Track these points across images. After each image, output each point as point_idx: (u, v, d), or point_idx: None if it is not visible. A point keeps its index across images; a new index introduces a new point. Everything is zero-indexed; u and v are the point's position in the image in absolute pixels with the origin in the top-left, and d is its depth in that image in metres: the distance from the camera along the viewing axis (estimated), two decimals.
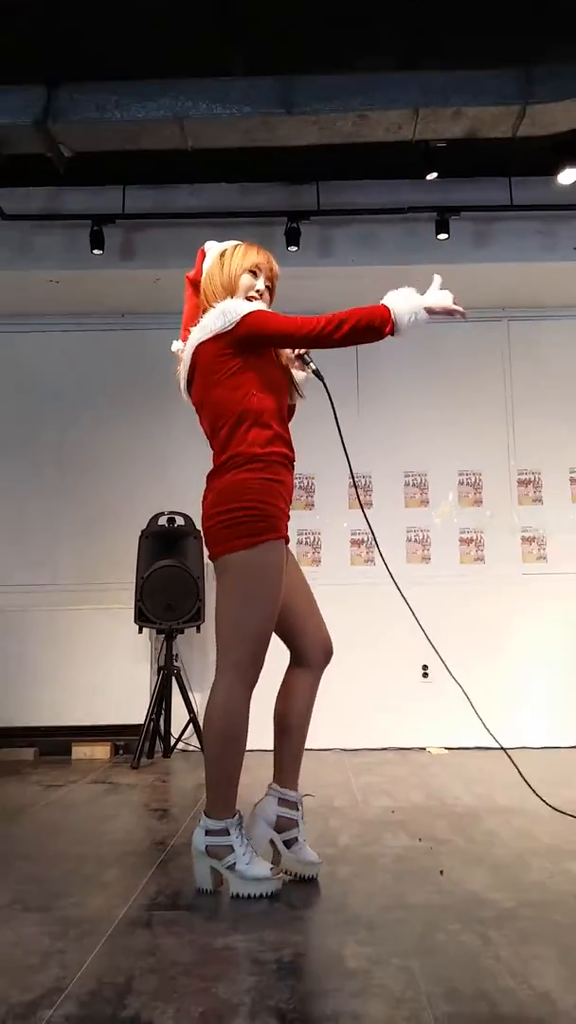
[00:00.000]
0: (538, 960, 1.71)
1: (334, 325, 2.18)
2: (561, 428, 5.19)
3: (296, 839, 2.29)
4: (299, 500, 5.12)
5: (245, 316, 2.21)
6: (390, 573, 2.68)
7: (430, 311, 2.25)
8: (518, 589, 5.01)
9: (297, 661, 2.35)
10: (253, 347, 2.24)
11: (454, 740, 4.68)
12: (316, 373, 2.41)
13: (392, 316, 2.19)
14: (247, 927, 1.92)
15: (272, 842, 2.28)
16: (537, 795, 2.74)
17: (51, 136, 3.58)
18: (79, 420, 5.24)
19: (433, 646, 2.80)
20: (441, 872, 2.35)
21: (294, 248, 4.59)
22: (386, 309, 2.21)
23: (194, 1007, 1.51)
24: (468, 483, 5.18)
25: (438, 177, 4.38)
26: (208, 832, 2.16)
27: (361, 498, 5.13)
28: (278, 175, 4.68)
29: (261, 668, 2.20)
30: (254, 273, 2.38)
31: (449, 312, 2.29)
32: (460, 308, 2.30)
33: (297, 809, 2.31)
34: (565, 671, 4.86)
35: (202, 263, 2.47)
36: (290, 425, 2.40)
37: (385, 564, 2.70)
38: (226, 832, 2.15)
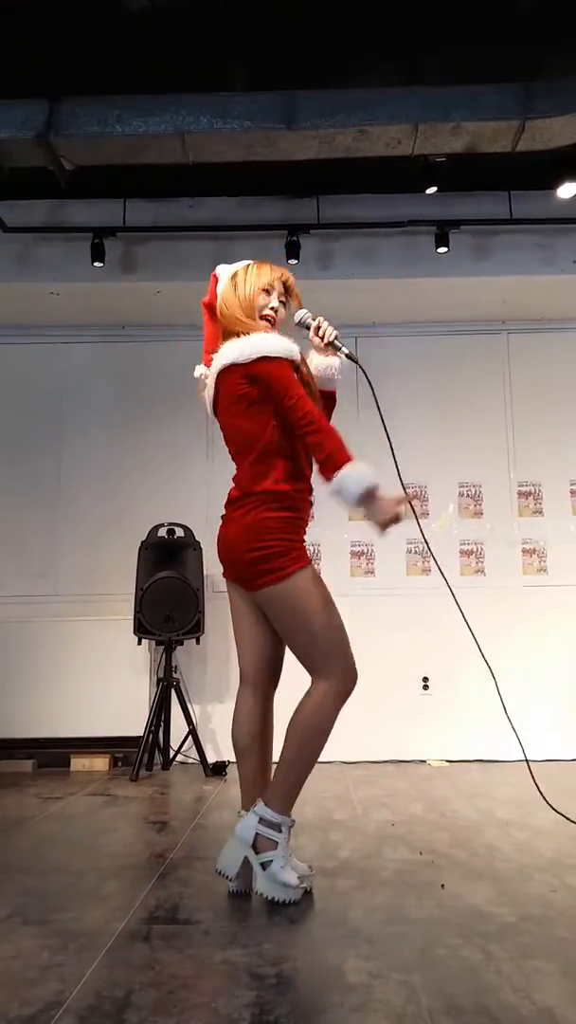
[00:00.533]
0: (540, 975, 1.70)
1: (315, 439, 2.22)
2: (561, 440, 5.20)
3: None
4: None
5: (266, 360, 2.26)
6: (448, 584, 2.78)
7: (365, 501, 2.20)
8: (519, 601, 5.01)
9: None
10: (263, 385, 2.28)
11: (455, 753, 4.67)
12: (350, 357, 2.43)
13: (339, 474, 2.18)
14: (246, 941, 1.91)
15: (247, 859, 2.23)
16: (551, 806, 2.69)
17: (53, 149, 3.59)
18: (79, 431, 5.25)
19: (486, 660, 2.90)
20: (442, 886, 2.34)
21: (294, 261, 4.60)
22: (345, 465, 2.19)
23: (193, 1022, 1.51)
24: (468, 495, 5.18)
25: (438, 191, 4.41)
26: (262, 821, 2.20)
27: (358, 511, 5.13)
28: (278, 189, 4.70)
29: (356, 675, 2.30)
30: (267, 292, 2.42)
31: (383, 522, 2.23)
32: (396, 520, 2.24)
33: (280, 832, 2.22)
34: (566, 683, 4.85)
35: (215, 288, 2.50)
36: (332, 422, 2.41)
37: (442, 573, 2.70)
38: (279, 828, 2.20)
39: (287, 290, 2.48)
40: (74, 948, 1.87)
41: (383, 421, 2.46)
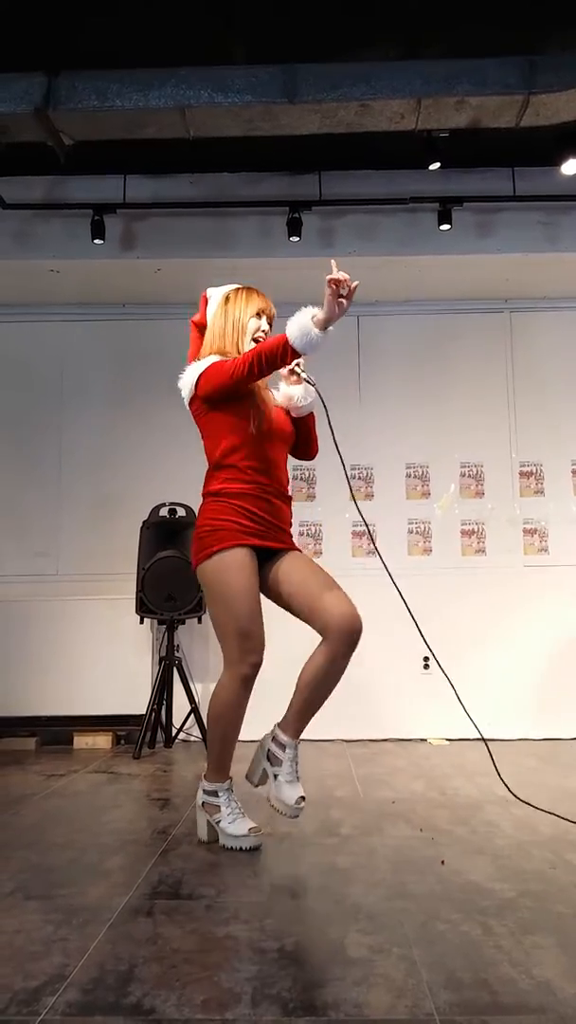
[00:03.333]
0: (539, 950, 1.72)
1: (246, 364, 2.44)
2: (563, 420, 5.19)
3: (277, 776, 2.51)
4: (300, 492, 5.11)
5: (197, 381, 2.57)
6: (381, 559, 2.88)
7: (323, 323, 2.36)
8: (520, 581, 5.01)
9: (321, 636, 2.50)
10: (219, 400, 2.55)
11: (455, 731, 4.68)
12: (307, 380, 2.64)
13: (288, 341, 2.37)
14: (249, 916, 1.93)
15: (265, 771, 2.56)
16: (507, 787, 2.86)
17: (52, 124, 3.56)
18: (79, 410, 5.24)
19: (422, 634, 2.97)
20: (442, 862, 2.36)
21: (295, 238, 4.57)
22: (283, 336, 2.39)
23: (196, 995, 1.52)
24: (470, 475, 5.17)
25: (441, 167, 4.35)
26: (204, 791, 2.60)
27: (360, 490, 5.13)
28: (279, 165, 4.65)
29: (252, 659, 2.48)
30: (259, 315, 2.67)
31: (337, 298, 2.34)
32: (340, 277, 2.35)
33: (284, 750, 2.51)
34: (567, 662, 4.86)
35: (206, 309, 2.76)
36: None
37: (378, 552, 2.76)
38: (216, 794, 2.58)
39: (271, 317, 2.72)
40: (77, 923, 1.89)
41: (329, 420, 2.61)
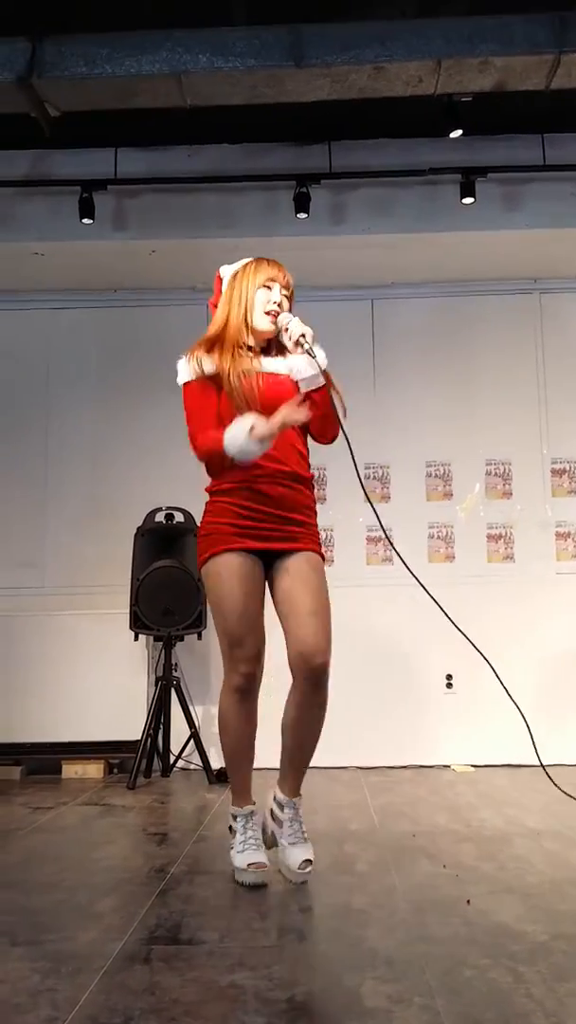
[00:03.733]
0: (574, 999, 1.72)
1: (200, 458, 2.63)
2: None
3: (279, 838, 2.60)
4: None
5: (183, 386, 2.69)
6: (403, 561, 2.91)
7: (260, 436, 2.44)
8: (551, 590, 5.01)
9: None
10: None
11: (480, 757, 4.69)
12: (308, 352, 2.60)
13: (226, 448, 2.48)
14: (255, 963, 1.93)
15: (273, 833, 2.65)
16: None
17: (36, 93, 3.58)
18: (68, 406, 5.26)
19: (480, 652, 3.02)
20: (468, 902, 2.36)
21: (303, 215, 4.58)
22: (222, 443, 2.49)
23: None
24: (496, 473, 5.17)
25: (463, 135, 4.35)
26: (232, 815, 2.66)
27: (376, 491, 5.13)
28: (286, 134, 4.67)
29: (243, 669, 2.56)
30: (268, 287, 2.67)
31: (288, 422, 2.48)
32: (299, 416, 2.50)
33: (283, 810, 2.60)
34: None
35: (219, 288, 2.80)
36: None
37: (399, 554, 2.75)
38: (234, 819, 2.64)
39: (287, 286, 2.73)
40: (67, 971, 1.89)
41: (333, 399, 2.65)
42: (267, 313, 2.64)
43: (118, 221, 4.75)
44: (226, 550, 2.55)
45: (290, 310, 2.71)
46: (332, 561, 5.05)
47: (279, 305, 2.66)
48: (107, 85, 3.54)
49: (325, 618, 2.56)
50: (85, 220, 4.58)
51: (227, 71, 3.47)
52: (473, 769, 4.65)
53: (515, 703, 2.88)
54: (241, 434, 2.43)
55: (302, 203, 4.56)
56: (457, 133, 4.31)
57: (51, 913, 2.32)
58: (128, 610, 4.52)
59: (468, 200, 4.56)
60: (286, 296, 2.70)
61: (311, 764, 2.66)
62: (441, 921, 2.21)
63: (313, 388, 2.62)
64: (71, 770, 4.62)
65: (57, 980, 1.85)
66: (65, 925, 2.21)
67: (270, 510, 2.57)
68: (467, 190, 4.56)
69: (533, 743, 2.88)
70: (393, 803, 3.80)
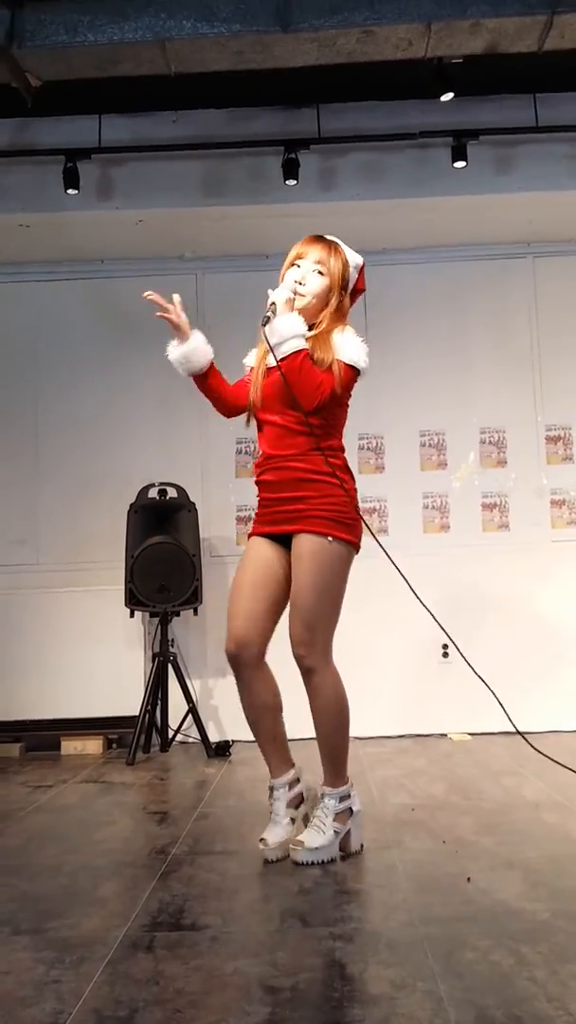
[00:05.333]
0: None
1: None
2: None
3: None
4: None
5: None
6: (376, 539, 2.81)
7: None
8: (547, 558, 5.01)
9: None
10: None
11: (478, 725, 4.70)
12: (265, 320, 2.56)
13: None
14: (258, 948, 1.95)
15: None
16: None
17: (16, 64, 3.49)
18: (57, 381, 5.20)
19: (440, 625, 2.95)
20: (468, 879, 2.38)
21: (292, 182, 4.50)
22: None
23: None
24: (490, 442, 5.14)
25: (454, 97, 4.27)
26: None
27: (370, 462, 5.10)
28: (273, 98, 4.57)
29: (227, 646, 2.65)
30: (296, 265, 2.70)
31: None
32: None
33: (320, 796, 2.66)
34: None
35: None
36: None
37: (373, 535, 2.76)
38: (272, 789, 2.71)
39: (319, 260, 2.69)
40: (71, 961, 1.90)
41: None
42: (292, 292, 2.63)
43: (103, 191, 4.66)
44: (251, 535, 2.76)
45: (341, 282, 2.70)
46: None
47: (299, 282, 2.65)
48: (89, 53, 3.46)
49: (309, 611, 2.57)
50: (70, 190, 4.49)
51: (212, 37, 3.39)
52: (470, 737, 4.68)
53: (479, 675, 2.91)
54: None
55: (291, 169, 4.48)
56: (448, 96, 4.23)
57: (53, 899, 2.33)
58: (123, 587, 4.50)
59: (460, 164, 4.49)
60: (319, 271, 2.67)
61: (310, 739, 2.69)
62: (442, 901, 2.23)
63: (280, 358, 2.56)
64: (70, 746, 4.64)
65: (62, 971, 1.86)
66: (68, 911, 2.22)
67: (271, 495, 2.68)
68: (459, 153, 4.48)
69: (505, 712, 2.88)
70: (392, 775, 3.82)
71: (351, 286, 2.77)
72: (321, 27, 3.39)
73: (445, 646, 4.87)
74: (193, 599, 4.47)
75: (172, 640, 4.55)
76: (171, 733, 4.57)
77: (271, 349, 2.55)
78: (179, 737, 4.61)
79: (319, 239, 2.73)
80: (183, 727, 4.57)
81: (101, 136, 4.56)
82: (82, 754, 4.59)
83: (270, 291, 2.63)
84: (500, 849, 2.67)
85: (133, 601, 4.47)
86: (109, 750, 4.68)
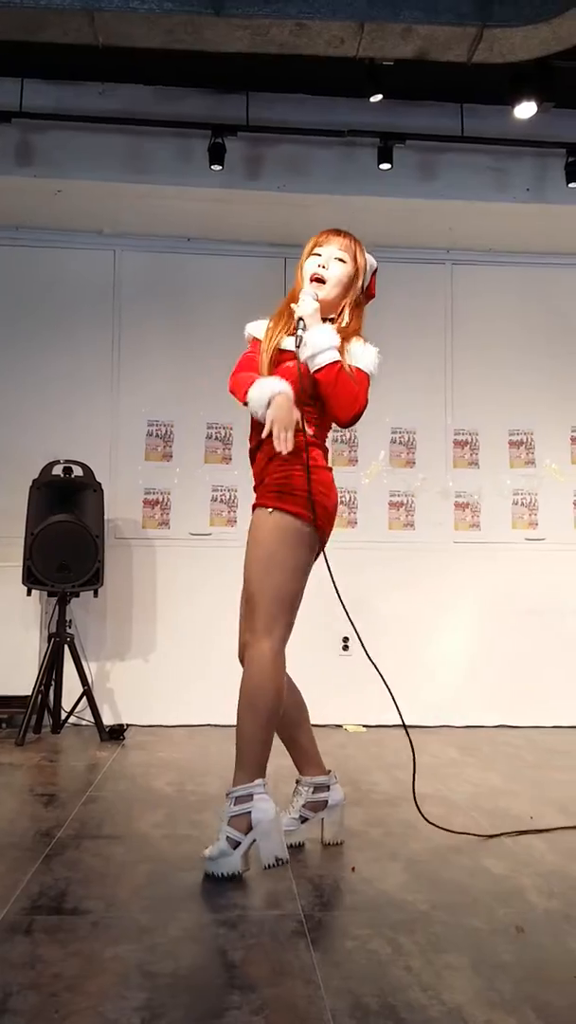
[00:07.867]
0: (451, 971, 1.78)
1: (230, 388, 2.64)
2: (502, 386, 5.27)
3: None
4: (215, 453, 5.08)
5: None
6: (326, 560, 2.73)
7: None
8: (448, 557, 5.12)
9: None
10: None
11: (373, 718, 4.78)
12: (298, 335, 2.54)
13: (247, 398, 2.49)
14: (139, 934, 1.94)
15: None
16: (415, 800, 2.80)
17: None
18: None
19: (350, 619, 3.01)
20: (352, 869, 2.42)
21: (218, 167, 4.47)
22: (247, 392, 2.51)
23: None
24: (401, 442, 5.22)
25: (383, 99, 4.29)
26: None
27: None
28: (203, 81, 4.52)
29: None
30: (317, 254, 2.67)
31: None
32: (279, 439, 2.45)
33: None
34: (494, 645, 5.00)
35: None
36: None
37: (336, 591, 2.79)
38: None
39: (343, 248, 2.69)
40: None
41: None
42: (313, 279, 2.61)
43: (23, 156, 4.53)
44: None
45: (355, 273, 2.70)
46: (234, 522, 5.02)
47: (322, 267, 2.63)
48: (12, 16, 3.32)
49: (248, 583, 2.56)
50: None
51: (142, 13, 3.31)
52: (365, 729, 4.74)
53: (377, 668, 2.96)
54: (261, 401, 2.45)
55: (217, 154, 4.44)
56: (377, 98, 4.24)
57: None
58: (21, 564, 4.40)
59: (385, 166, 4.53)
60: (340, 259, 2.65)
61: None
62: (326, 890, 2.25)
63: (315, 369, 2.53)
64: None
65: None
66: None
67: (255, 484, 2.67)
68: (385, 155, 4.52)
69: (396, 705, 2.92)
70: (284, 765, 3.83)
71: (365, 285, 2.77)
72: (254, 15, 3.35)
73: (345, 639, 4.94)
74: (94, 580, 4.40)
75: (70, 621, 4.47)
76: (64, 715, 4.49)
77: (303, 363, 2.52)
78: (72, 719, 4.53)
79: (339, 231, 2.73)
80: (77, 709, 4.50)
81: (22, 100, 4.43)
82: None
83: (293, 306, 2.58)
84: (386, 840, 2.72)
85: (31, 580, 4.37)
86: None
